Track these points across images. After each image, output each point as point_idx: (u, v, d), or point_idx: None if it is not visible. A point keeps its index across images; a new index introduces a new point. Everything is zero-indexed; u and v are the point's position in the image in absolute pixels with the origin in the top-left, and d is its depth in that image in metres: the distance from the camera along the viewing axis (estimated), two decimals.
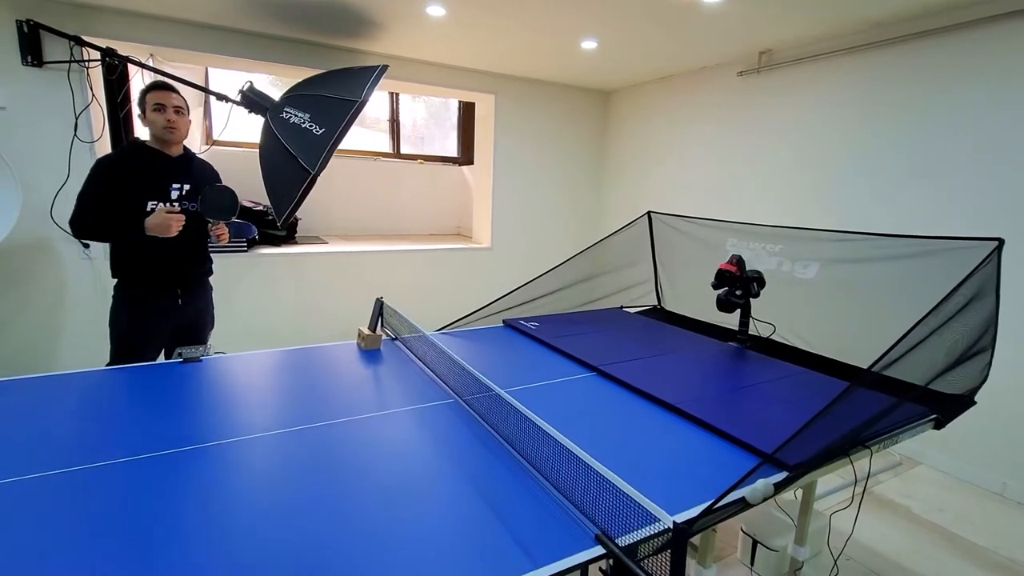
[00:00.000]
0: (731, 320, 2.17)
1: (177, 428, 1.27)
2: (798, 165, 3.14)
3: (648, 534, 0.87)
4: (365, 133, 4.81)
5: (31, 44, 2.62)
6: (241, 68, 3.53)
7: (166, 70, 3.09)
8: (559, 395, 1.58)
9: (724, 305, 2.04)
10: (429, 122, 5.16)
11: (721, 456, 1.24)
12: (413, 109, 5.01)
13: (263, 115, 2.77)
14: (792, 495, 1.83)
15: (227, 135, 3.98)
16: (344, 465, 1.14)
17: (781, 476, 1.14)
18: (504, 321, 2.36)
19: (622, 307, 2.73)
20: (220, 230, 2.06)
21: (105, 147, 3.07)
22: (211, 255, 2.22)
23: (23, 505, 0.95)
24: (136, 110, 2.03)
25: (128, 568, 0.81)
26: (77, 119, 2.76)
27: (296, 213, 4.00)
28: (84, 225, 1.89)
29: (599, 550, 0.88)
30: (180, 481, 1.05)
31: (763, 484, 1.06)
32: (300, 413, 1.38)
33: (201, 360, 1.73)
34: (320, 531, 0.91)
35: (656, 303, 2.78)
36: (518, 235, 4.30)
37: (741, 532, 1.88)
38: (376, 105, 4.76)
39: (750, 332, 2.11)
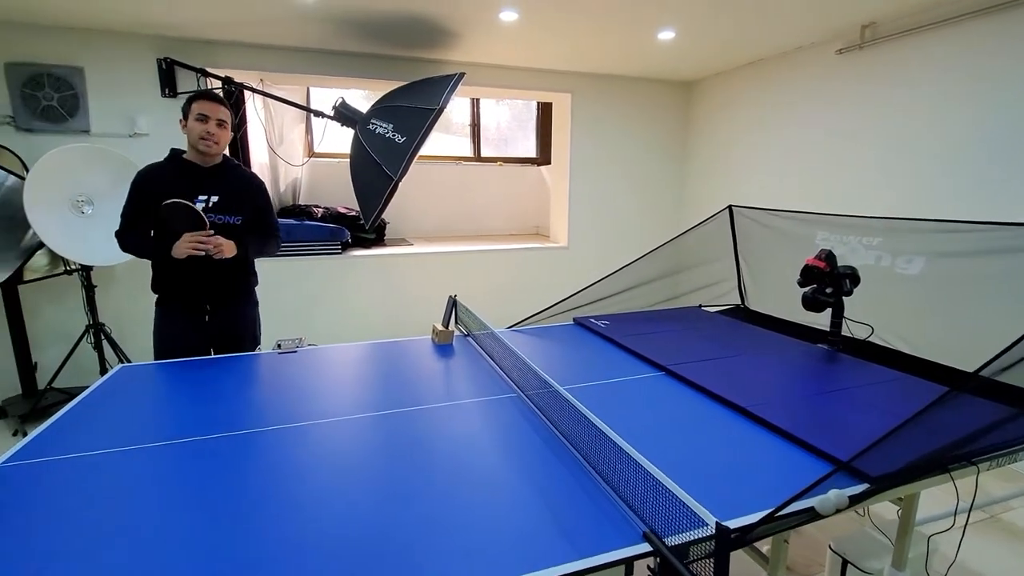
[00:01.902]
0: (823, 321, 2.01)
1: (275, 409, 1.43)
2: (908, 151, 2.81)
3: (699, 536, 0.85)
4: (448, 139, 5.03)
5: (168, 78, 3.06)
6: (337, 85, 3.85)
7: (274, 92, 3.46)
8: (624, 394, 1.57)
9: (811, 304, 1.89)
10: (512, 124, 5.28)
11: (794, 464, 1.16)
12: (497, 112, 5.14)
13: (353, 127, 3.00)
14: (895, 515, 1.66)
15: (325, 147, 4.36)
16: (412, 449, 1.22)
17: (860, 488, 1.05)
18: (574, 319, 2.36)
19: (700, 306, 2.62)
20: (213, 243, 1.81)
21: None
22: (254, 270, 2.09)
23: (152, 466, 1.14)
24: (183, 117, 1.87)
25: (231, 522, 0.94)
26: None
27: (384, 217, 4.29)
28: (125, 241, 1.87)
29: (645, 547, 0.87)
30: (275, 454, 1.19)
31: (835, 495, 0.99)
32: (376, 400, 1.50)
33: (296, 351, 1.92)
34: (387, 507, 0.99)
35: (739, 302, 2.63)
36: (595, 234, 4.26)
37: (829, 550, 1.73)
38: (459, 111, 4.96)
39: (844, 334, 1.94)
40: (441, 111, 2.75)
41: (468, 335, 2.12)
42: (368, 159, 2.82)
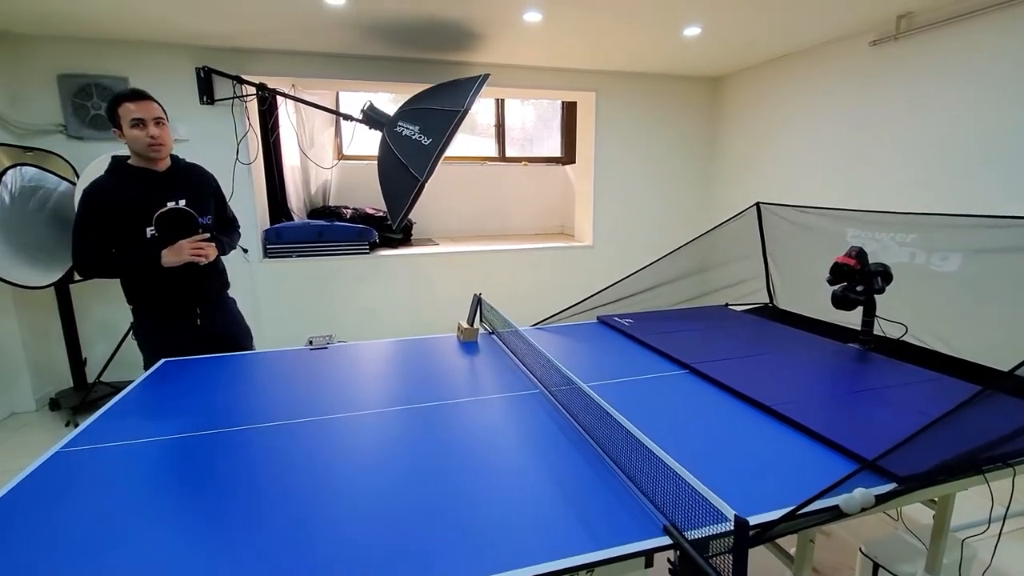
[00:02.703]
0: (855, 320, 1.96)
1: (308, 402, 1.49)
2: (946, 147, 2.71)
3: (719, 532, 0.86)
4: (474, 139, 5.08)
5: (205, 86, 3.19)
6: (365, 89, 3.94)
7: (305, 97, 3.56)
8: (646, 391, 1.57)
9: (840, 302, 1.85)
10: (537, 124, 5.30)
11: (820, 463, 1.15)
12: (522, 112, 5.18)
13: (381, 130, 3.07)
14: (929, 519, 1.62)
15: (354, 150, 4.47)
16: (436, 440, 1.26)
17: (888, 487, 1.03)
18: (598, 318, 2.36)
19: (727, 305, 2.59)
20: (205, 250, 1.81)
21: (260, 168, 3.62)
22: (225, 270, 2.07)
23: (195, 453, 1.21)
24: (114, 127, 1.71)
25: (272, 501, 0.99)
26: (238, 145, 3.30)
27: (411, 217, 4.37)
28: (87, 263, 1.72)
29: (665, 540, 0.88)
30: (310, 443, 1.24)
31: (861, 493, 0.97)
32: (403, 395, 1.54)
33: (327, 348, 1.99)
34: (413, 497, 1.03)
35: (767, 301, 2.59)
36: (620, 233, 4.24)
37: (860, 553, 1.70)
38: (484, 111, 5.01)
39: (876, 333, 1.89)
40: (466, 112, 2.79)
41: (492, 333, 2.15)
42: (395, 161, 2.88)
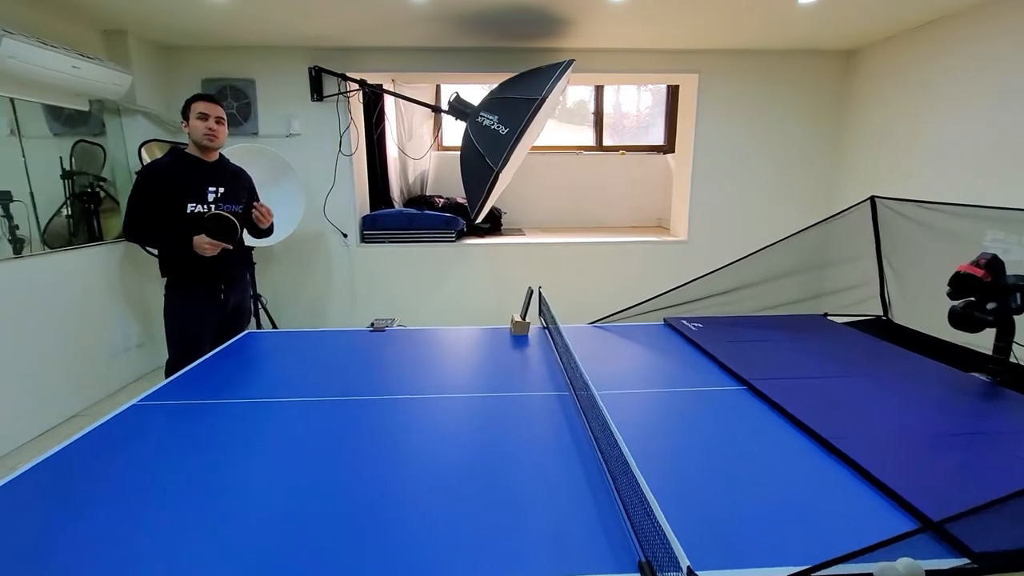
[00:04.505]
0: (989, 344, 1.58)
1: (352, 381, 1.59)
2: None
3: None
4: (570, 128, 4.97)
5: (316, 84, 3.49)
6: (458, 81, 4.04)
7: (405, 90, 3.75)
8: (688, 404, 1.42)
9: (960, 321, 1.50)
10: (640, 110, 5.04)
11: (869, 515, 0.94)
12: (624, 98, 4.96)
13: (465, 121, 3.12)
14: None
15: (452, 141, 4.62)
16: (432, 434, 1.26)
17: (952, 563, 0.81)
18: (665, 319, 2.19)
19: (826, 315, 2.24)
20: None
21: (361, 159, 3.90)
22: (250, 254, 2.31)
23: (304, 418, 1.34)
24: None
25: (344, 464, 1.08)
26: (341, 138, 3.58)
27: (500, 207, 4.41)
28: (134, 232, 2.01)
29: None
30: (362, 417, 1.33)
31: (906, 564, 0.78)
32: (429, 384, 1.57)
33: (384, 331, 2.09)
34: (378, 487, 1.04)
35: (880, 313, 2.20)
36: (721, 228, 3.88)
37: None
38: (580, 99, 4.87)
39: (1012, 361, 1.51)
40: (543, 100, 2.72)
41: (546, 328, 2.10)
42: (474, 151, 2.91)
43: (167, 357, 2.07)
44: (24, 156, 2.63)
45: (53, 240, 2.82)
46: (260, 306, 3.45)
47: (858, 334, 2.02)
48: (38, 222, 2.73)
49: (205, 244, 1.95)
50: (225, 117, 2.07)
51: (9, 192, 2.57)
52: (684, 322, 2.12)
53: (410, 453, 1.18)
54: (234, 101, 3.52)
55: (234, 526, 0.92)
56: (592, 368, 1.67)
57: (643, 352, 1.87)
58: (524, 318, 2.05)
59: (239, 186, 2.18)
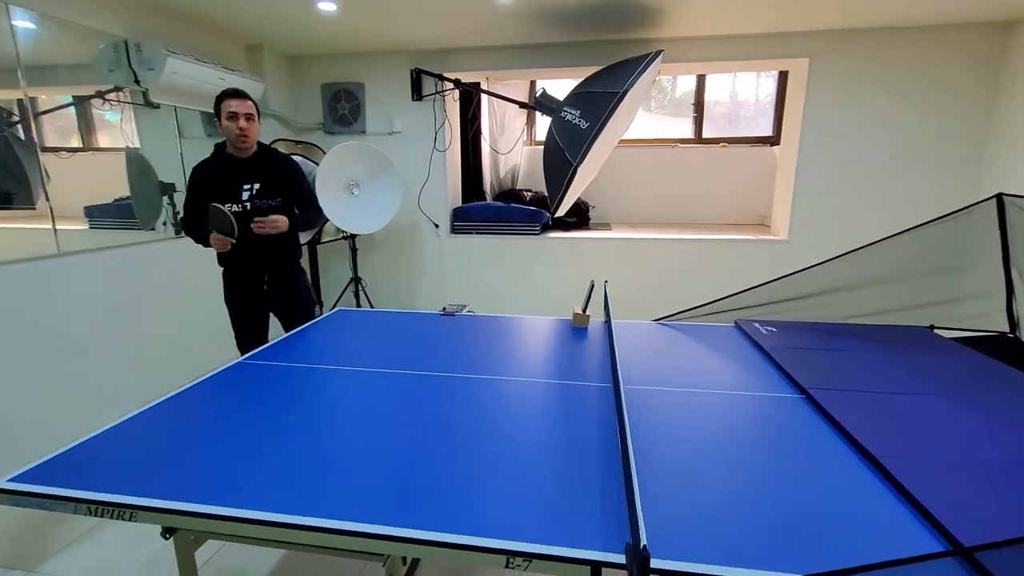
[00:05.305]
0: None
1: (429, 358, 1.76)
2: None
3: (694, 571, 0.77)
4: (668, 120, 4.80)
5: (416, 85, 3.76)
6: (551, 76, 4.09)
7: (499, 87, 3.90)
8: (735, 408, 1.37)
9: None
10: (750, 100, 4.72)
11: (897, 534, 0.88)
12: (740, 88, 4.68)
13: (551, 116, 3.19)
14: None
15: (541, 136, 4.69)
16: (479, 408, 1.36)
17: None
18: (736, 321, 2.09)
19: (932, 327, 1.99)
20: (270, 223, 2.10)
21: (455, 155, 4.13)
22: (299, 244, 2.37)
23: (375, 385, 1.56)
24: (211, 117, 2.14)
25: (416, 434, 1.26)
26: (436, 134, 3.82)
27: (588, 201, 4.41)
28: (185, 227, 2.16)
29: (616, 557, 0.82)
30: (421, 389, 1.49)
31: None
32: (486, 365, 1.68)
33: (453, 316, 2.24)
34: (426, 450, 1.16)
35: (1006, 330, 1.91)
36: (829, 227, 3.53)
37: None
38: (691, 88, 4.68)
39: None
40: (624, 94, 2.69)
41: (607, 322, 2.11)
42: (555, 146, 2.97)
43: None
44: (182, 154, 3.18)
45: None
46: (360, 288, 3.83)
47: (971, 353, 1.78)
48: None
49: (213, 240, 2.06)
50: (255, 112, 2.09)
51: (173, 184, 3.13)
52: (756, 325, 2.01)
53: (453, 422, 1.29)
54: (346, 103, 3.91)
55: (331, 450, 1.16)
56: (641, 363, 1.68)
57: (699, 351, 1.82)
58: (585, 311, 2.09)
59: (278, 180, 2.20)
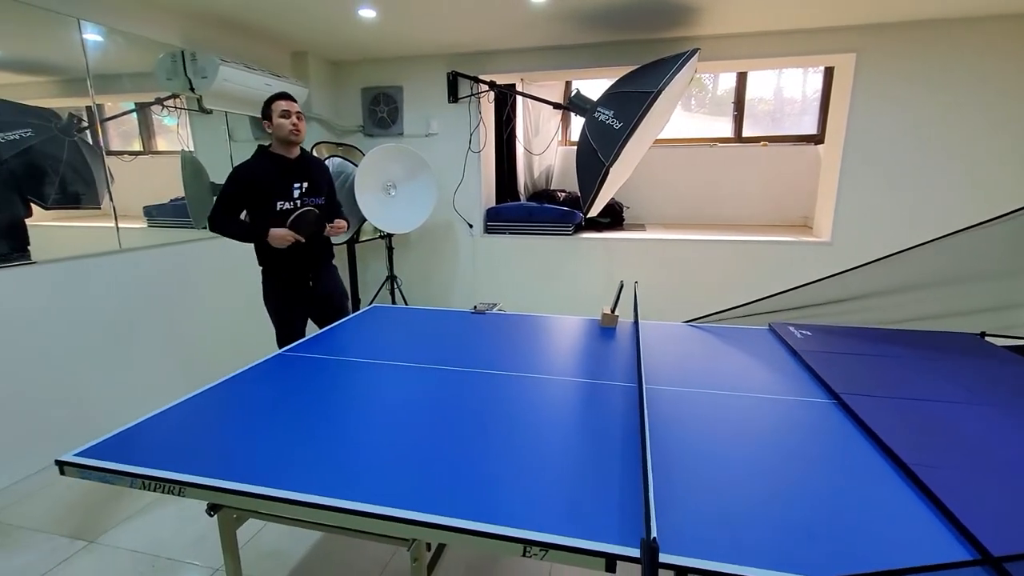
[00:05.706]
0: None
1: (459, 354, 1.81)
2: None
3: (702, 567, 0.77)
4: (706, 119, 4.71)
5: (452, 87, 3.83)
6: (587, 77, 4.08)
7: (534, 88, 3.92)
8: (751, 409, 1.36)
9: None
10: (795, 98, 4.58)
11: (925, 544, 0.85)
12: (784, 85, 4.55)
13: (584, 116, 3.19)
14: None
15: (576, 136, 4.69)
16: (508, 406, 1.39)
17: None
18: (770, 324, 2.05)
19: (983, 334, 1.89)
20: (337, 227, 2.31)
21: (489, 155, 4.18)
22: (331, 244, 2.48)
23: (407, 379, 1.63)
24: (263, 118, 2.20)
25: (432, 410, 1.32)
26: (471, 136, 3.88)
27: (623, 201, 4.38)
28: (216, 223, 2.16)
29: (632, 552, 0.84)
30: (450, 384, 1.54)
31: None
32: (514, 362, 1.71)
33: (484, 314, 2.29)
34: (448, 442, 1.20)
35: None
36: (873, 230, 3.39)
37: None
38: (720, 87, 4.58)
39: None
40: (659, 94, 2.67)
41: (635, 322, 2.11)
42: (588, 146, 2.97)
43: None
44: (231, 157, 3.35)
45: None
46: (395, 286, 3.93)
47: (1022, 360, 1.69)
48: None
49: (287, 237, 2.13)
50: (303, 113, 2.22)
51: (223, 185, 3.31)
52: (791, 328, 1.96)
53: (479, 416, 1.33)
54: (385, 106, 4.02)
55: (364, 439, 1.23)
56: (668, 364, 1.67)
57: (728, 353, 1.79)
58: (614, 311, 2.09)
59: (320, 181, 2.32)
